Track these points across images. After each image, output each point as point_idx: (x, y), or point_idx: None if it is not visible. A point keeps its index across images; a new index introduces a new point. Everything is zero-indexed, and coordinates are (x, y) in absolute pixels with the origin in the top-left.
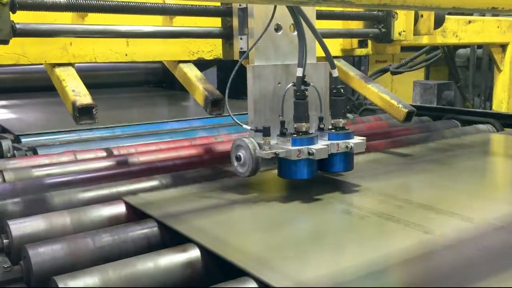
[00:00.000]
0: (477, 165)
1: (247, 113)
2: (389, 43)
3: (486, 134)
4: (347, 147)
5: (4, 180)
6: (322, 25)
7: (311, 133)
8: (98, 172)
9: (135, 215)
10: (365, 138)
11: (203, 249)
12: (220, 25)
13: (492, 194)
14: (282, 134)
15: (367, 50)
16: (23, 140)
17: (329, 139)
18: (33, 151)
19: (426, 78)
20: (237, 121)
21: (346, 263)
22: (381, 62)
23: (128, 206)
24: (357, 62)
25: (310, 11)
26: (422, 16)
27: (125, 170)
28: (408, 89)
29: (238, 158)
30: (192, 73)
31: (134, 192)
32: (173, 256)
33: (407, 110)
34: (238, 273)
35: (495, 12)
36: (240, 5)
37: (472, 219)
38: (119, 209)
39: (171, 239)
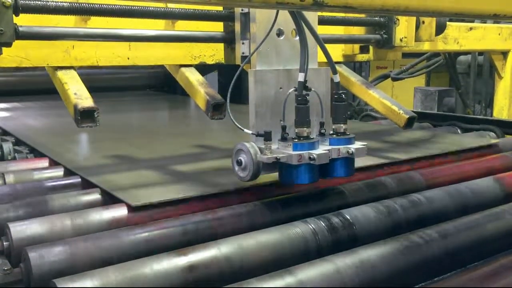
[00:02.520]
0: None
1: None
2: (390, 49)
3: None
4: (348, 152)
5: (4, 183)
6: (324, 30)
7: (312, 138)
8: None
9: (137, 217)
10: (366, 143)
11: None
12: (222, 30)
13: None
14: (283, 139)
15: (369, 56)
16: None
17: (330, 144)
18: (33, 153)
19: (427, 84)
20: (239, 126)
21: None
22: (382, 68)
23: (130, 208)
24: (358, 68)
25: (312, 16)
26: (423, 22)
27: None
28: (408, 96)
29: (239, 163)
30: (193, 77)
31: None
32: (173, 260)
33: (408, 116)
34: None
35: (496, 19)
36: (242, 10)
37: None
38: (120, 212)
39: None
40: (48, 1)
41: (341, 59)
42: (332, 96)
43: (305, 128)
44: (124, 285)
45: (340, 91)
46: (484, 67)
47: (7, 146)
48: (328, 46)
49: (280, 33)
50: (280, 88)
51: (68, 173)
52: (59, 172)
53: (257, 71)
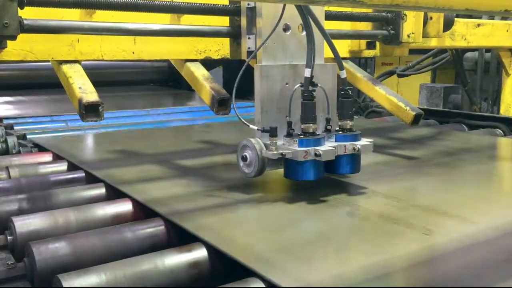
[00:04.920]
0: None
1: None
2: (397, 45)
3: (494, 137)
4: (354, 149)
5: (9, 176)
6: (331, 26)
7: (318, 134)
8: None
9: (141, 212)
10: (372, 140)
11: (210, 248)
12: (228, 24)
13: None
14: (289, 134)
15: (375, 52)
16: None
17: (336, 141)
18: (38, 148)
19: (433, 81)
20: (244, 121)
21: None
22: (387, 65)
23: (135, 203)
24: (363, 64)
25: (319, 12)
26: (431, 18)
27: None
28: (414, 92)
29: (244, 158)
30: (199, 72)
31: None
32: (178, 256)
33: (414, 113)
34: (244, 273)
35: (507, 15)
36: (248, 4)
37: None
38: (124, 207)
39: (177, 237)
40: None
41: (347, 55)
42: (339, 92)
43: (311, 124)
44: (129, 282)
45: (347, 87)
46: (491, 64)
47: (12, 140)
48: (334, 42)
49: (286, 28)
50: (286, 83)
51: (72, 167)
52: (63, 166)
53: (263, 67)
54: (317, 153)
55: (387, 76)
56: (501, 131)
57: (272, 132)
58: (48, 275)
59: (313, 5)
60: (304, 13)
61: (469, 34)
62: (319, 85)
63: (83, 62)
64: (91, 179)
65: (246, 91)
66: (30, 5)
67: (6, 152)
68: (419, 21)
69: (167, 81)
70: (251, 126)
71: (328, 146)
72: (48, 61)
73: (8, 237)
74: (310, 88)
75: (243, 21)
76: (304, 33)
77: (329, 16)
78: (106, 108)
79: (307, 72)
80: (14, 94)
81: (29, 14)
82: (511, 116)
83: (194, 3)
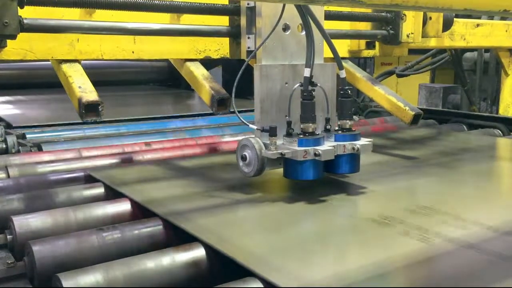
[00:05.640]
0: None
1: (253, 110)
2: (397, 45)
3: (493, 138)
4: (353, 148)
5: (8, 176)
6: (330, 25)
7: (318, 134)
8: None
9: (140, 212)
10: (371, 140)
11: (208, 248)
12: (227, 24)
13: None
14: (289, 134)
15: (375, 52)
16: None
17: (335, 140)
18: (37, 147)
19: (432, 81)
20: (244, 121)
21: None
22: (387, 65)
23: (133, 203)
24: (362, 64)
25: (318, 11)
26: (430, 18)
27: None
28: (413, 92)
29: (244, 158)
30: (198, 71)
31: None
32: (177, 255)
33: (414, 113)
34: (243, 273)
35: (506, 15)
36: (248, 4)
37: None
38: (124, 206)
39: (176, 237)
40: None
41: (347, 54)
42: (338, 91)
43: (310, 124)
44: (128, 281)
45: (346, 87)
46: (490, 64)
47: (11, 139)
48: (334, 42)
49: (286, 27)
50: (286, 83)
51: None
52: (63, 166)
53: (263, 66)
54: (316, 152)
55: (386, 76)
56: (500, 131)
57: (272, 132)
58: (48, 274)
59: (312, 4)
60: (304, 12)
61: (468, 34)
62: (318, 84)
63: (82, 62)
64: (90, 180)
65: (246, 91)
66: (30, 4)
67: (5, 151)
68: (419, 21)
69: (167, 80)
70: (250, 125)
71: (327, 146)
72: (48, 60)
73: (8, 236)
74: (310, 87)
75: (243, 21)
76: (304, 32)
77: (329, 16)
78: (106, 107)
79: (306, 72)
80: (13, 94)
81: (29, 13)
82: (510, 116)
83: (194, 3)
